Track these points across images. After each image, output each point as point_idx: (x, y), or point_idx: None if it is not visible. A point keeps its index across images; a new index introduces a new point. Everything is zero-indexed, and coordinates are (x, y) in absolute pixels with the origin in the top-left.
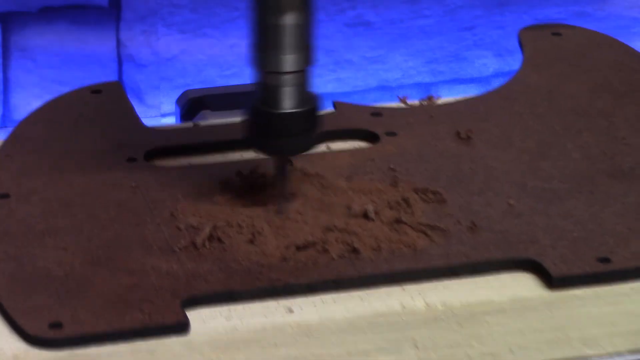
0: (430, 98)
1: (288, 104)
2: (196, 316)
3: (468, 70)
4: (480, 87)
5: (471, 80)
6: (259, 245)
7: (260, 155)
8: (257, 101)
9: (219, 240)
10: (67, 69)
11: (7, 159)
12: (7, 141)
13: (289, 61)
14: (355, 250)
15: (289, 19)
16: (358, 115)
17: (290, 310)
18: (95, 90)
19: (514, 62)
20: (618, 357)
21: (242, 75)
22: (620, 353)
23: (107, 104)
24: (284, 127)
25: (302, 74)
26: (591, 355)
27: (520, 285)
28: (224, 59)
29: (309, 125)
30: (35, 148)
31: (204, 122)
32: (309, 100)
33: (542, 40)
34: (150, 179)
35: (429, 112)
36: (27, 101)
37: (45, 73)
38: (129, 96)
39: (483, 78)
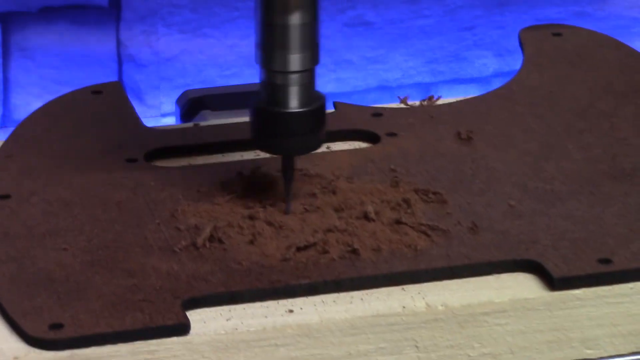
0: (430, 98)
1: (295, 103)
2: (196, 317)
3: (468, 70)
4: (480, 87)
5: (471, 80)
6: (260, 246)
7: (261, 156)
8: (263, 101)
9: (220, 240)
10: (67, 69)
11: (8, 160)
12: (8, 141)
13: (296, 60)
14: (355, 251)
15: (296, 18)
16: (358, 115)
17: (291, 311)
18: (96, 90)
19: (514, 62)
20: (619, 358)
21: (242, 75)
22: (621, 354)
23: (107, 105)
24: (292, 127)
25: (309, 73)
26: (592, 356)
27: (521, 286)
28: (224, 59)
29: (316, 124)
30: (36, 149)
31: (204, 123)
32: (315, 100)
33: (542, 40)
34: (151, 180)
35: (430, 112)
36: (27, 101)
37: (45, 73)
38: (129, 96)
39: (483, 78)
